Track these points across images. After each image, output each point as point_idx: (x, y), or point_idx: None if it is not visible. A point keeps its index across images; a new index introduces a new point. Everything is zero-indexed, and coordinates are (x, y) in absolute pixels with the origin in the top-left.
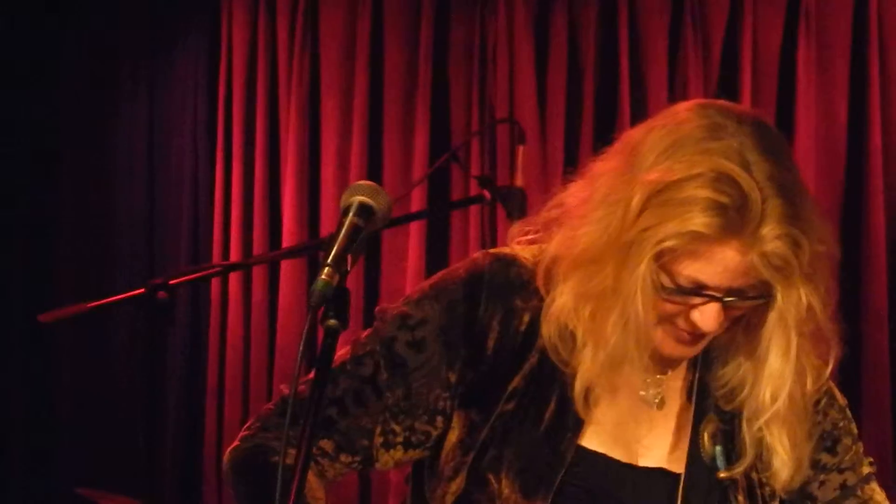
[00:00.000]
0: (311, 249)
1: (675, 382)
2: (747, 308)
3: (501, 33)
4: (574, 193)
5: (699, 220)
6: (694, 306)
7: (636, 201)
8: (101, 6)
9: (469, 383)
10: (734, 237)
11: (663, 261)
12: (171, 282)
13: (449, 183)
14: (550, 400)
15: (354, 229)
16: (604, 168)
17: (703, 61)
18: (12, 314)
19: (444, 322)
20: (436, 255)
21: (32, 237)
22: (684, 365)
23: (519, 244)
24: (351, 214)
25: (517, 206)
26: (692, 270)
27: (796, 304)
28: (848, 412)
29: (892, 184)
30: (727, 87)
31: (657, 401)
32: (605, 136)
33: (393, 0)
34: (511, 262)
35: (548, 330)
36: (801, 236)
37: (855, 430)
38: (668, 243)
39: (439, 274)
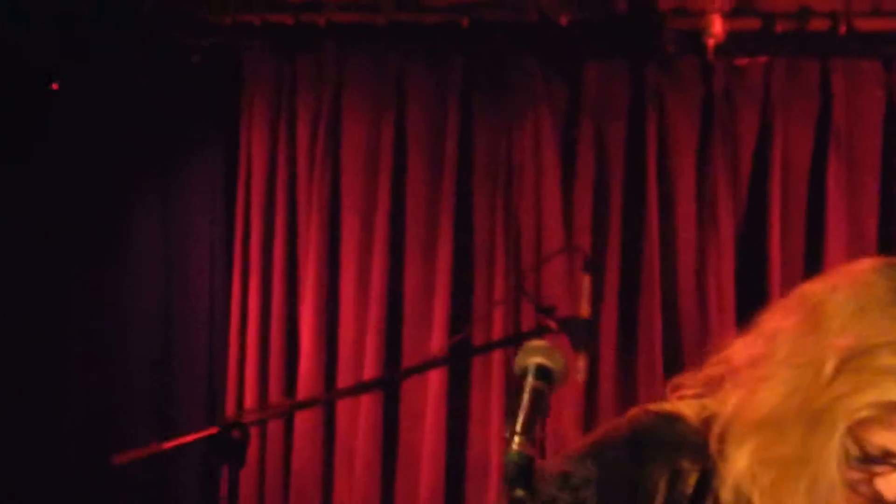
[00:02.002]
0: (383, 384)
1: None
2: None
3: (527, 147)
4: (742, 350)
5: None
6: (879, 475)
7: (829, 367)
8: (103, 113)
9: None
10: None
11: (852, 428)
12: (245, 420)
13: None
14: None
15: (537, 394)
16: (780, 326)
17: (732, 178)
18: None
19: (608, 482)
20: (457, 394)
21: (38, 363)
22: None
23: (679, 400)
24: (531, 378)
25: (583, 336)
26: (883, 440)
27: None
28: None
29: None
30: (756, 206)
31: None
32: (631, 253)
33: (417, 114)
34: (676, 419)
35: (726, 495)
36: None
37: None
38: (864, 413)
39: (599, 430)
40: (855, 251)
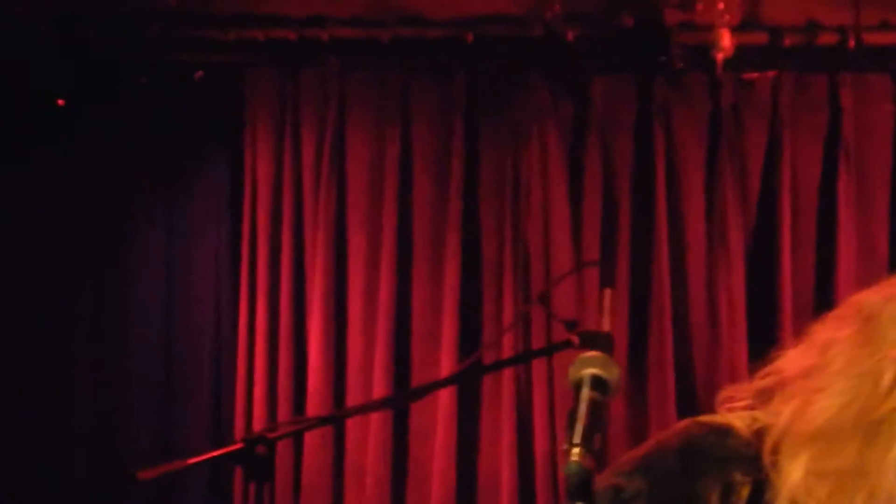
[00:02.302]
0: (403, 401)
1: None
2: None
3: (535, 164)
4: (795, 361)
5: None
6: None
7: (888, 377)
8: (106, 132)
9: None
10: None
11: None
12: (270, 435)
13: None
14: None
15: (594, 404)
16: (834, 336)
17: (741, 193)
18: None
19: (659, 496)
20: (467, 412)
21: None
22: None
23: (729, 412)
24: (586, 388)
25: (605, 351)
26: None
27: None
28: None
29: None
30: (766, 221)
31: None
32: (641, 269)
33: (422, 130)
34: (727, 431)
35: None
36: None
37: None
38: None
39: (650, 443)
40: (866, 266)
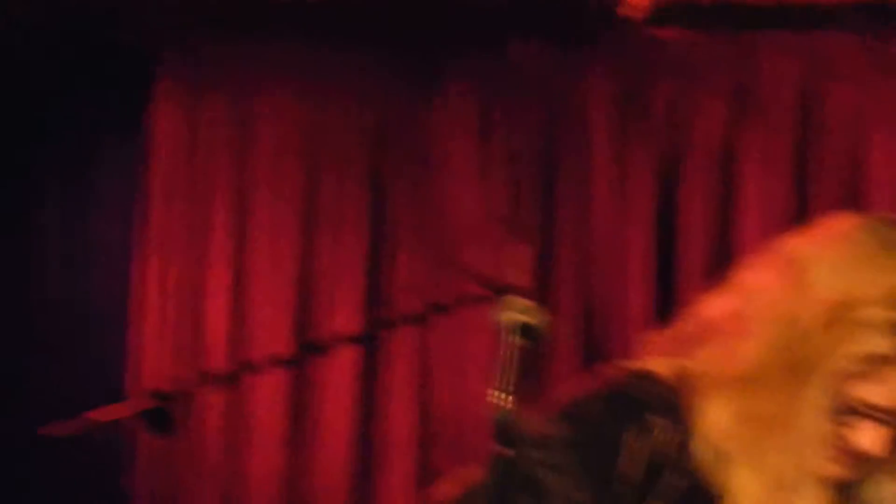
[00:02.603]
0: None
1: None
2: None
3: (442, 126)
4: (717, 306)
5: (884, 343)
6: (860, 428)
7: (814, 321)
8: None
9: None
10: None
11: (834, 382)
12: (174, 390)
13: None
14: None
15: (523, 351)
16: (759, 282)
17: (646, 152)
18: None
19: (581, 441)
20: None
21: None
22: (827, 488)
23: (650, 358)
24: (514, 336)
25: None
26: (867, 393)
27: None
28: None
29: None
30: (670, 176)
31: None
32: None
33: (331, 88)
34: (649, 377)
35: (702, 451)
36: None
37: None
38: (850, 367)
39: (573, 390)
40: (769, 222)
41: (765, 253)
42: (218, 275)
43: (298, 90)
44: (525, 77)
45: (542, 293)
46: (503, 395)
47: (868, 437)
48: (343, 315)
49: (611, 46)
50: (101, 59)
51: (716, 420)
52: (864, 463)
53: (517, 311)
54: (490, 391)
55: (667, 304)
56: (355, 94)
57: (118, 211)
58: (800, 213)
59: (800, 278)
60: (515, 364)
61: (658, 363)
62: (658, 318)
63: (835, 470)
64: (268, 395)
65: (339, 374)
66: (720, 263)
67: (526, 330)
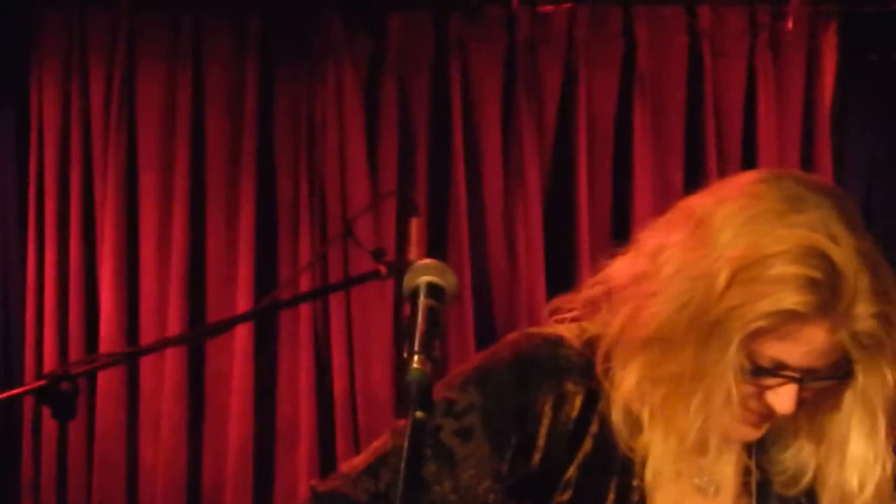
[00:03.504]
0: (196, 338)
1: (727, 467)
2: (821, 388)
3: (330, 102)
4: (623, 269)
5: (794, 299)
6: (769, 387)
7: (722, 278)
8: None
9: (520, 474)
10: (826, 316)
11: (743, 340)
12: (74, 371)
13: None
14: (609, 489)
15: (431, 311)
16: (664, 241)
17: (538, 127)
18: None
19: (493, 408)
20: (264, 352)
21: None
22: (735, 448)
23: (558, 323)
24: (422, 297)
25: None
26: (775, 351)
27: (882, 384)
28: None
29: None
30: (562, 154)
31: (712, 489)
32: (439, 205)
33: (215, 70)
34: (558, 342)
35: (615, 414)
36: (894, 314)
37: None
38: (759, 323)
39: (481, 356)
40: (661, 197)
41: (672, 213)
42: (107, 259)
43: (179, 66)
44: (411, 52)
45: None
46: (416, 358)
47: (778, 396)
48: (236, 296)
49: (495, 22)
50: None
51: (627, 383)
52: (774, 422)
53: (424, 272)
54: (404, 354)
55: (562, 280)
56: (236, 67)
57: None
58: (693, 188)
59: (705, 236)
60: (425, 325)
61: (568, 328)
62: (550, 295)
63: (745, 430)
64: (162, 380)
65: (234, 357)
66: (617, 237)
67: (433, 290)
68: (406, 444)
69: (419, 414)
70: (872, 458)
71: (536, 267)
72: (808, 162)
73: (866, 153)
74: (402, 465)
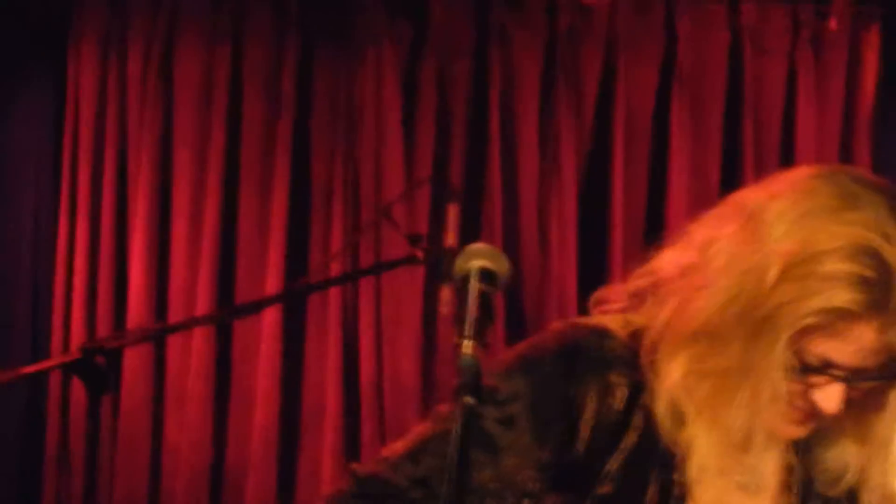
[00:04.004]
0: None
1: (770, 465)
2: (869, 389)
3: (368, 87)
4: (672, 261)
5: (845, 297)
6: (816, 386)
7: (773, 273)
8: None
9: (562, 464)
10: (876, 315)
11: (792, 338)
12: (109, 345)
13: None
14: (650, 482)
15: (484, 297)
16: (714, 235)
17: (576, 118)
18: None
19: (537, 397)
20: (292, 335)
21: None
22: (779, 446)
23: (602, 314)
24: (474, 281)
25: (449, 266)
26: (824, 349)
27: None
28: None
29: None
30: (599, 147)
31: (754, 486)
32: (474, 193)
33: (254, 48)
34: (604, 333)
35: (659, 407)
36: None
37: None
38: (809, 320)
39: (525, 344)
40: (697, 193)
41: (722, 206)
42: (139, 235)
43: (218, 44)
44: (452, 39)
45: None
46: (467, 343)
47: (825, 395)
48: (266, 278)
49: (536, 11)
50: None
51: (672, 377)
52: (819, 421)
53: (477, 256)
54: (456, 339)
55: (594, 274)
56: (276, 47)
57: (34, 162)
58: (729, 186)
59: (757, 230)
60: (477, 310)
61: (614, 320)
62: (581, 288)
63: (789, 428)
64: (189, 359)
65: (263, 339)
66: (650, 233)
67: (486, 275)
68: (456, 430)
69: (469, 399)
70: None
71: (568, 259)
72: (845, 162)
73: None
74: (451, 451)
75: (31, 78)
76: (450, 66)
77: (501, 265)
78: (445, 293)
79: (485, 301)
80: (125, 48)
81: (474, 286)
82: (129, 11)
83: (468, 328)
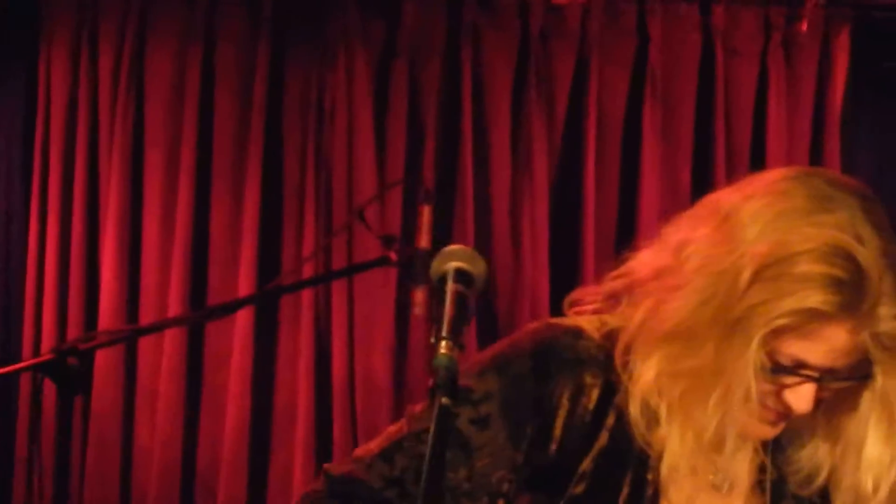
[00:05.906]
0: (198, 320)
1: (742, 465)
2: (840, 389)
3: (340, 87)
4: (646, 262)
5: (817, 298)
6: (788, 386)
7: (746, 274)
8: None
9: (536, 464)
10: (849, 316)
11: (764, 338)
12: (82, 346)
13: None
14: (624, 482)
15: (460, 297)
16: (689, 236)
17: (548, 120)
18: None
19: (510, 397)
20: (264, 336)
21: None
22: (751, 446)
23: (577, 315)
24: (450, 282)
25: (422, 268)
26: (796, 349)
27: None
28: None
29: None
30: (571, 149)
31: (727, 486)
32: (445, 195)
33: (226, 49)
34: (578, 334)
35: (633, 408)
36: None
37: None
38: (782, 321)
39: (499, 345)
40: (669, 196)
41: (697, 208)
42: (110, 236)
43: (190, 44)
44: (424, 39)
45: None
46: (444, 343)
47: (797, 395)
48: (238, 279)
49: (508, 11)
50: None
51: (646, 377)
52: (790, 421)
53: (453, 258)
54: (432, 339)
55: (566, 275)
56: (248, 48)
57: (4, 163)
58: (700, 187)
59: (731, 232)
60: (454, 311)
61: (588, 320)
62: (553, 290)
63: (762, 428)
64: (161, 360)
65: (235, 341)
66: (622, 234)
67: (462, 276)
68: (432, 430)
69: (445, 400)
70: (888, 461)
71: (540, 260)
72: (816, 164)
73: (874, 157)
74: (428, 451)
75: (2, 79)
76: (422, 67)
77: (478, 267)
78: (418, 294)
79: (461, 302)
80: (96, 47)
81: (451, 287)
82: (99, 12)
83: (445, 329)
